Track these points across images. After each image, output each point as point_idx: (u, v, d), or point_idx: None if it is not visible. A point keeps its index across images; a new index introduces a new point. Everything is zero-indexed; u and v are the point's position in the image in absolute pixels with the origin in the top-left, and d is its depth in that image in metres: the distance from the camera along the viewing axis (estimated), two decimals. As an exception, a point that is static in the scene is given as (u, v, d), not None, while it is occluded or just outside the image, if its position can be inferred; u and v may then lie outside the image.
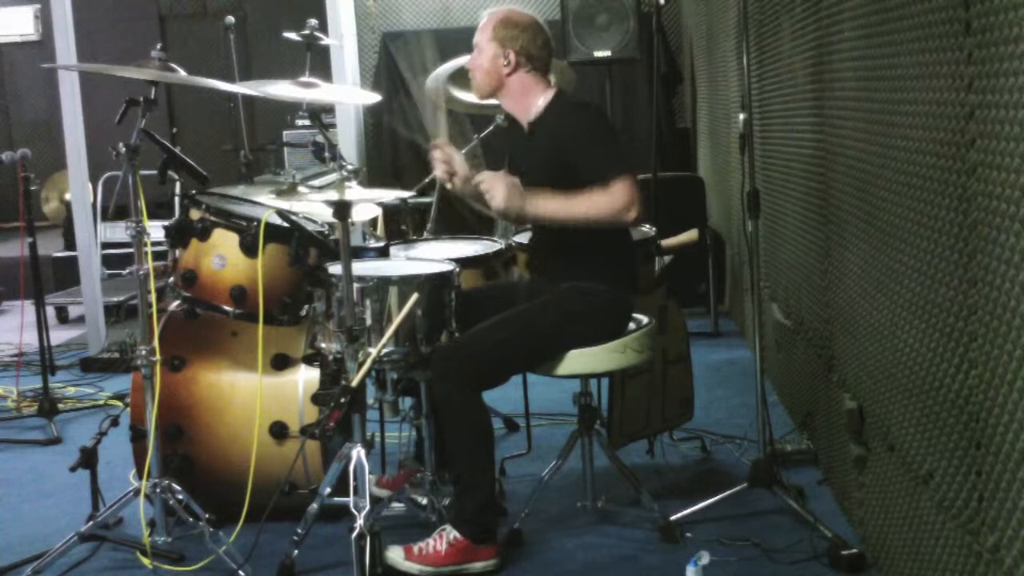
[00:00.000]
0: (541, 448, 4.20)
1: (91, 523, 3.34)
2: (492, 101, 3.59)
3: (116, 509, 3.37)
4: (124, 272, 3.46)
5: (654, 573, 3.22)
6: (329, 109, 6.72)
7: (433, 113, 3.79)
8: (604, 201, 3.21)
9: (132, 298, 5.40)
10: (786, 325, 4.39)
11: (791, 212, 4.18)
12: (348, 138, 6.72)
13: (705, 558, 2.94)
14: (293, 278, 3.49)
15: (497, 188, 3.28)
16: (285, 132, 7.80)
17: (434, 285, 3.30)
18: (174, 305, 3.65)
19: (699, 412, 4.20)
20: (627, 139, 6.97)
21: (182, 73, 3.35)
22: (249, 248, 3.40)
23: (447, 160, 3.61)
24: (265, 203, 3.53)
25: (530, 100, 3.44)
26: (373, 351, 3.13)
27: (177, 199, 6.54)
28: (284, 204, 3.41)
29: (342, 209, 3.12)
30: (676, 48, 7.63)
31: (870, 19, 2.85)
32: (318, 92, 3.54)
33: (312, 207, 3.52)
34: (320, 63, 3.75)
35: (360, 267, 3.37)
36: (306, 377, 3.53)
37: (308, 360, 3.54)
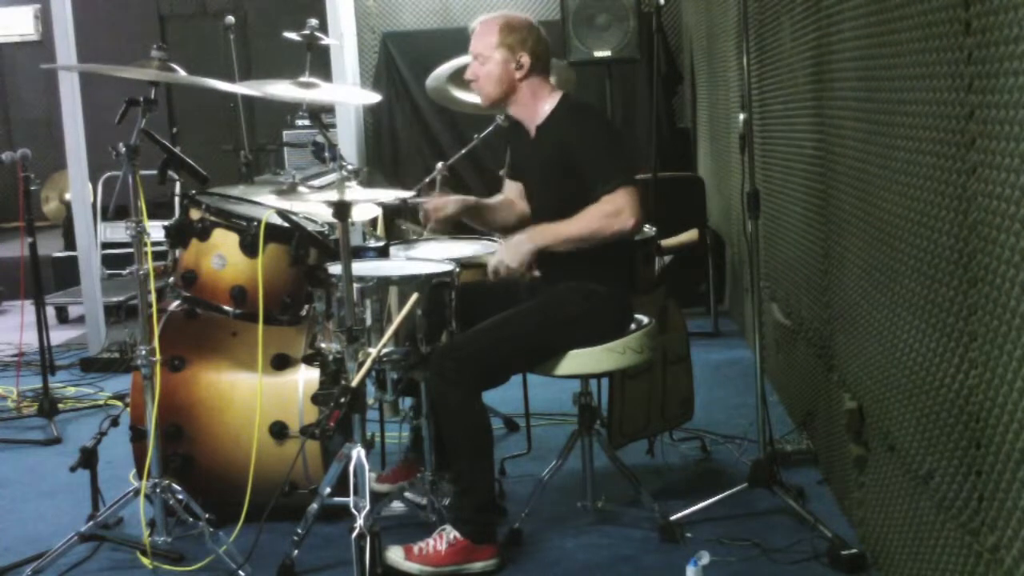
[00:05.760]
0: (541, 448, 4.20)
1: (91, 523, 3.34)
2: (493, 110, 3.58)
3: (116, 509, 3.38)
4: (124, 272, 3.46)
5: (654, 573, 3.22)
6: (329, 109, 6.72)
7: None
8: (600, 213, 3.22)
9: (132, 298, 5.40)
10: (786, 325, 4.39)
11: (791, 212, 4.18)
12: (348, 138, 6.72)
13: (705, 558, 2.94)
14: (293, 278, 3.49)
15: (503, 259, 3.31)
16: (285, 132, 7.82)
17: (434, 285, 3.30)
18: (174, 305, 3.65)
19: (699, 412, 4.20)
20: (627, 139, 6.96)
21: (182, 73, 3.35)
22: (249, 248, 3.40)
23: (440, 216, 3.64)
24: (265, 203, 3.53)
25: (539, 104, 3.42)
26: (373, 351, 3.13)
27: (177, 199, 6.55)
28: (284, 204, 3.41)
29: (342, 209, 3.12)
30: (676, 48, 7.63)
31: (870, 19, 2.85)
32: (318, 92, 3.54)
33: (312, 207, 3.52)
34: (320, 63, 3.75)
35: (360, 267, 3.37)
36: (306, 377, 3.53)
37: (308, 360, 3.54)
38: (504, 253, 3.34)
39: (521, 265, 3.32)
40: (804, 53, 3.71)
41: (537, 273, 3.40)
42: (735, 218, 5.46)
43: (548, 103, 3.42)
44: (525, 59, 3.37)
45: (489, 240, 3.97)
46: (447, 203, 3.66)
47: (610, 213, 3.21)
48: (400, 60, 7.53)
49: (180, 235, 3.47)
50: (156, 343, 3.30)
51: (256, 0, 9.64)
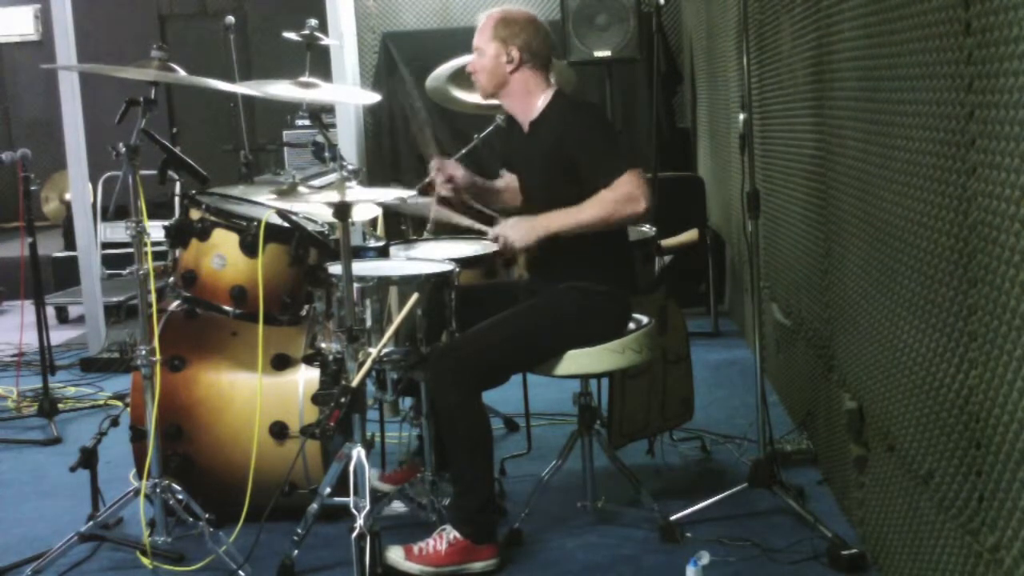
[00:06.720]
0: (541, 448, 4.20)
1: (91, 523, 3.34)
2: (492, 100, 3.59)
3: (116, 509, 3.38)
4: (124, 272, 3.46)
5: (654, 573, 3.22)
6: (329, 109, 6.72)
7: (421, 130, 3.74)
8: (611, 197, 3.21)
9: (132, 298, 5.40)
10: (786, 325, 4.39)
11: (791, 212, 4.18)
12: (348, 138, 6.72)
13: (705, 558, 2.94)
14: (293, 278, 3.49)
15: (509, 233, 3.33)
16: (285, 132, 7.82)
17: (434, 285, 3.30)
18: (174, 305, 3.65)
19: (699, 412, 4.20)
20: (627, 139, 6.97)
21: (182, 73, 3.35)
22: (249, 248, 3.40)
23: (447, 175, 3.61)
24: (265, 203, 3.53)
25: (532, 99, 3.44)
26: (373, 351, 3.13)
27: (177, 199, 6.56)
28: (284, 204, 3.41)
29: (342, 209, 3.12)
30: (676, 48, 7.63)
31: (870, 19, 2.85)
32: (318, 92, 3.54)
33: (312, 207, 3.52)
34: (320, 63, 3.75)
35: (360, 267, 3.37)
36: (306, 377, 3.53)
37: (308, 360, 3.54)
38: (513, 229, 3.34)
39: (526, 246, 3.33)
40: (804, 53, 3.71)
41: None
42: (735, 218, 5.46)
43: (541, 99, 3.43)
44: (515, 53, 3.39)
45: (489, 240, 3.96)
46: (455, 166, 3.64)
47: (621, 197, 3.20)
48: (400, 60, 7.53)
49: (180, 235, 3.47)
50: (156, 343, 3.30)
51: (256, 0, 9.63)
